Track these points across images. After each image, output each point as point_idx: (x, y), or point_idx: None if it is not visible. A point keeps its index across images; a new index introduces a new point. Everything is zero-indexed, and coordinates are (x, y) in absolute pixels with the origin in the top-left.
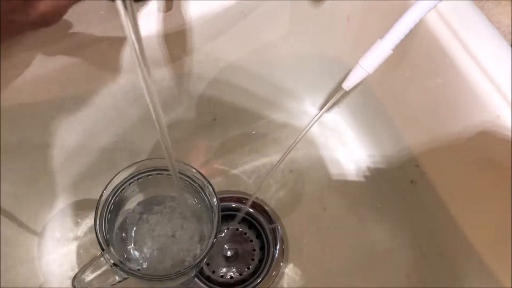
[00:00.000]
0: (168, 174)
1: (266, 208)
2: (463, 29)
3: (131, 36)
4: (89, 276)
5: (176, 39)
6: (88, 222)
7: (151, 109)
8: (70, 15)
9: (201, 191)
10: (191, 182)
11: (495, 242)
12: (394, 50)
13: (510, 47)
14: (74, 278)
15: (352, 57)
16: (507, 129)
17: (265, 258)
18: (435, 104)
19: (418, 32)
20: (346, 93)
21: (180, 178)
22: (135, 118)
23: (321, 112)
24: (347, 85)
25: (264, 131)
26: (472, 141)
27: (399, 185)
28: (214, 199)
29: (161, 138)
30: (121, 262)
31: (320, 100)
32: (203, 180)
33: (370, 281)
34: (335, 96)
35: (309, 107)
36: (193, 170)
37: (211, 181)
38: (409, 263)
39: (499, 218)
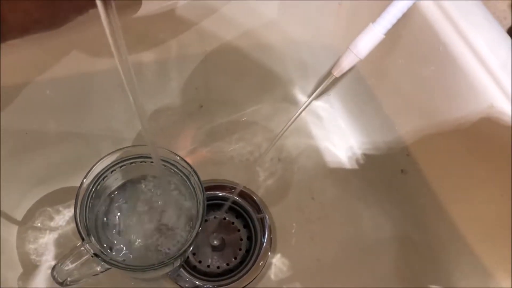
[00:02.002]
0: (152, 162)
1: (254, 197)
2: (458, 14)
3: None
4: (69, 266)
5: (161, 22)
6: (70, 210)
7: (129, 94)
8: None
9: (186, 179)
10: (176, 170)
11: (486, 235)
12: (386, 35)
13: (505, 33)
14: (54, 268)
15: (344, 42)
16: (501, 118)
17: (252, 248)
18: (428, 92)
19: (411, 16)
20: (337, 79)
21: (165, 166)
22: (119, 103)
23: (310, 99)
24: (338, 71)
25: (253, 119)
26: (465, 130)
27: (390, 175)
28: (199, 188)
29: (141, 123)
30: (102, 252)
31: (310, 86)
32: (188, 168)
33: (359, 271)
34: (324, 83)
35: (299, 94)
36: (178, 157)
37: (198, 169)
38: (399, 254)
39: (491, 210)
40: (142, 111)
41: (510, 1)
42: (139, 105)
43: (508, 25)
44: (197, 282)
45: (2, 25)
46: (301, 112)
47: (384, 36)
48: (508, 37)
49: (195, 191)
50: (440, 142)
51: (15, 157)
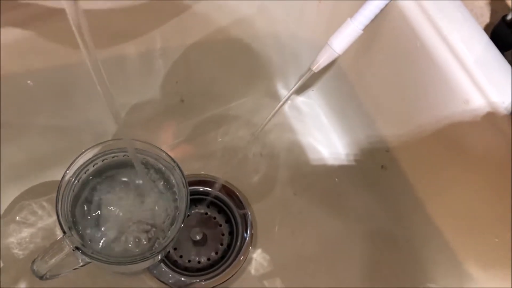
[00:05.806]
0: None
1: (236, 192)
2: (435, 10)
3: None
4: (49, 261)
5: (140, 14)
6: (51, 204)
7: (99, 88)
8: None
9: (169, 173)
10: (159, 164)
11: (463, 230)
12: (366, 31)
13: (481, 29)
14: (33, 262)
15: (326, 37)
16: (476, 114)
17: (233, 243)
18: (406, 88)
19: (389, 12)
20: (319, 74)
21: (147, 160)
22: (100, 96)
23: (288, 94)
24: (316, 66)
25: (236, 114)
26: (441, 126)
27: (370, 170)
28: (182, 182)
29: (112, 113)
30: (83, 245)
31: (293, 82)
32: (171, 162)
33: (339, 266)
34: (303, 78)
35: (281, 88)
36: (160, 151)
37: (180, 164)
38: (379, 249)
39: (468, 205)
40: (112, 103)
41: None
42: (110, 99)
43: (485, 22)
44: (178, 277)
45: None
46: (280, 107)
47: (362, 32)
48: (484, 33)
49: (178, 186)
50: (418, 138)
51: None
